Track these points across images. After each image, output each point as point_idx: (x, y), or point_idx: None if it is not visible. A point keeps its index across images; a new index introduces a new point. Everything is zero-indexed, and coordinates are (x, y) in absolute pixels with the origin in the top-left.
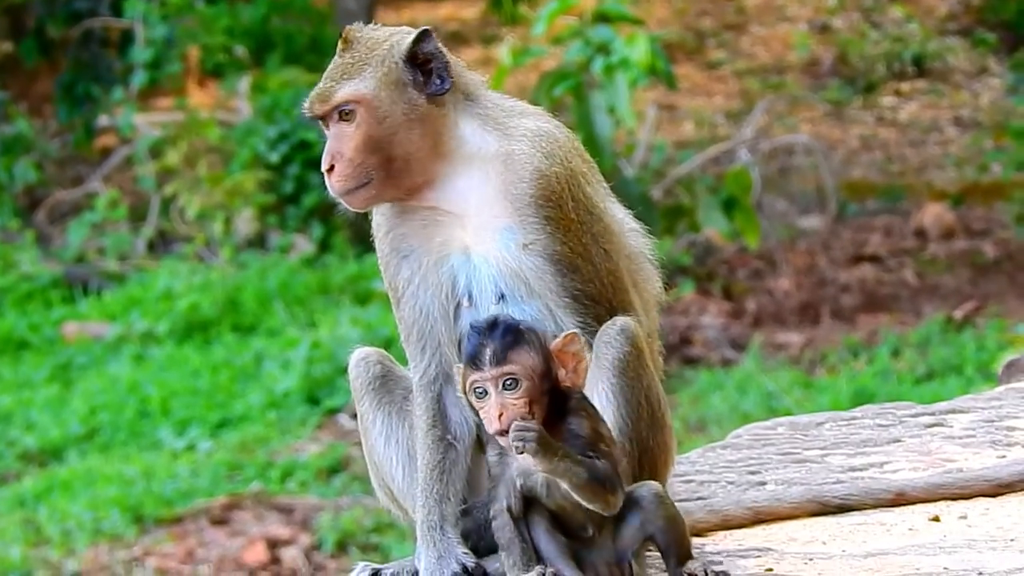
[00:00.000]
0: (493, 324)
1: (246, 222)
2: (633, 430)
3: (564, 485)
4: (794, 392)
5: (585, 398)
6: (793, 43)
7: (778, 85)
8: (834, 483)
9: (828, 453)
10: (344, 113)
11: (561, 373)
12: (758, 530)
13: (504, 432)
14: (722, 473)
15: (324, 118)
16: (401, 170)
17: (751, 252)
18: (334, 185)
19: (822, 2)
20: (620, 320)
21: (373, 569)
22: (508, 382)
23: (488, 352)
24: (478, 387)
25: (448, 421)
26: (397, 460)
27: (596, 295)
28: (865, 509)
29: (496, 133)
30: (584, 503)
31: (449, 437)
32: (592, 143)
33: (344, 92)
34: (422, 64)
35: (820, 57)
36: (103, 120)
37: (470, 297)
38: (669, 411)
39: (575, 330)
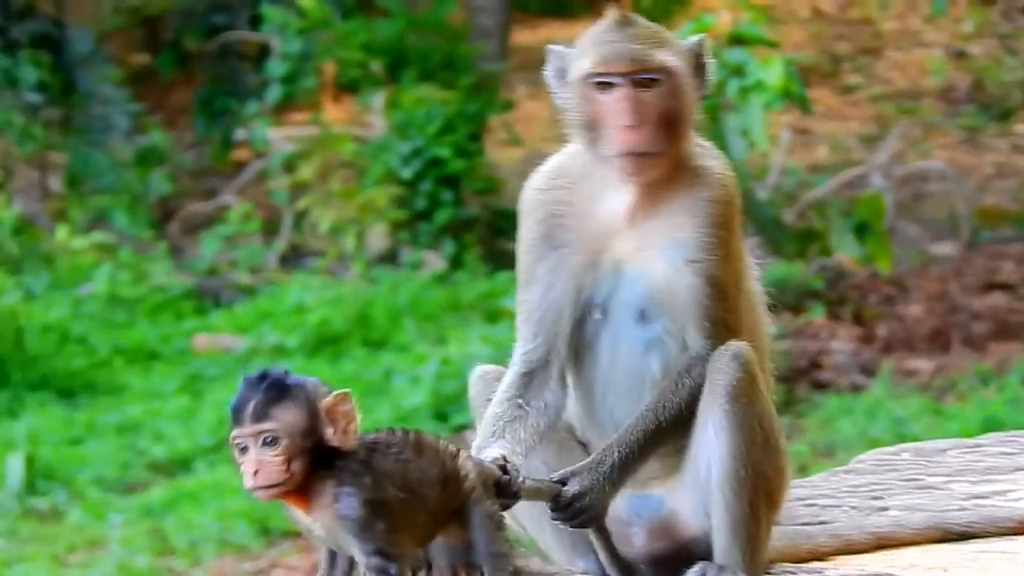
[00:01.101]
0: (261, 378)
1: (378, 237)
2: (747, 455)
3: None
4: (923, 419)
5: (366, 467)
6: (929, 69)
7: (913, 110)
8: (957, 510)
9: (952, 480)
10: (646, 80)
11: (329, 432)
12: (880, 555)
13: (258, 489)
14: (845, 498)
15: (622, 77)
16: (677, 152)
17: (882, 277)
18: (634, 143)
19: (959, 28)
20: (733, 345)
21: None
22: (268, 438)
23: (250, 408)
24: (239, 442)
25: (528, 392)
26: None
27: (729, 324)
28: (988, 537)
29: (700, 149)
30: None
31: (520, 400)
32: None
33: (662, 59)
34: (698, 64)
35: (956, 83)
36: (237, 134)
37: (605, 312)
38: (783, 436)
39: (347, 389)
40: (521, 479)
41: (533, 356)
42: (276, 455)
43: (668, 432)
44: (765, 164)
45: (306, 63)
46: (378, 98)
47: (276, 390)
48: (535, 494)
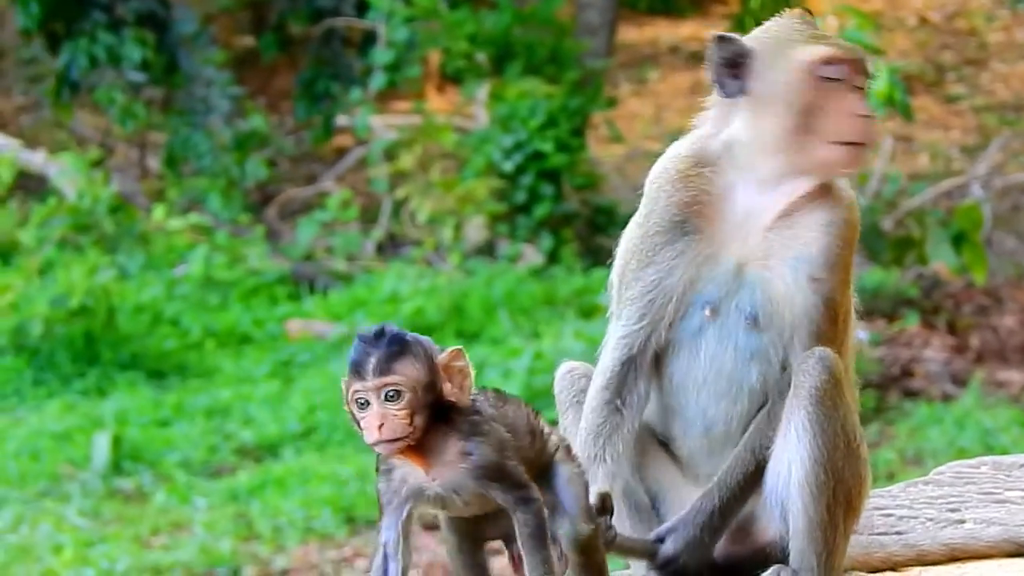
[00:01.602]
0: (379, 334)
1: (476, 229)
2: (828, 460)
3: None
4: (1012, 431)
5: (482, 416)
6: None
7: (1015, 123)
8: None
9: None
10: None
11: (447, 387)
12: (953, 568)
13: (383, 442)
14: (922, 509)
15: (848, 69)
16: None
17: (978, 288)
18: (870, 134)
19: None
20: (818, 350)
21: None
22: (390, 393)
23: (372, 362)
24: (360, 397)
25: (624, 386)
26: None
27: (835, 344)
28: None
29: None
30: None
31: (618, 402)
32: None
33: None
34: None
35: None
36: (339, 120)
37: (716, 311)
38: (865, 443)
39: (460, 347)
40: (613, 533)
41: (634, 340)
42: (400, 409)
43: (763, 471)
44: (866, 170)
45: (411, 52)
46: (482, 90)
47: (397, 345)
48: (628, 550)
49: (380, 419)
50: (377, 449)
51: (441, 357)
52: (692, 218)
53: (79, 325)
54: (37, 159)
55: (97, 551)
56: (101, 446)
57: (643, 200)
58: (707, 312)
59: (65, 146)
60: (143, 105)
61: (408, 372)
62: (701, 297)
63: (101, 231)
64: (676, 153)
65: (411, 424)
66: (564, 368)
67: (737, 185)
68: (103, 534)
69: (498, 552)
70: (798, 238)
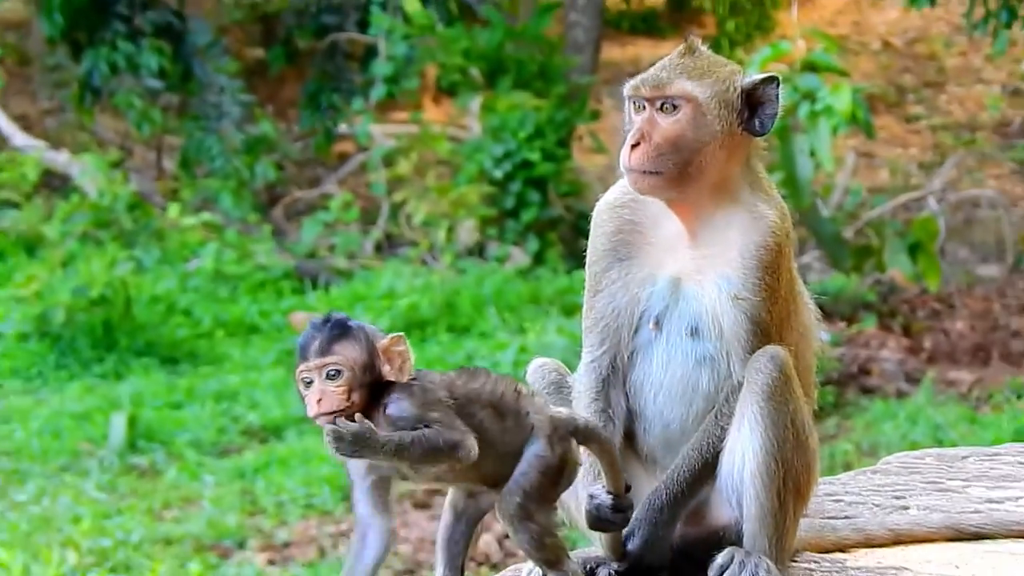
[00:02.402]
0: (325, 320)
1: (468, 231)
2: (779, 450)
3: (404, 466)
4: (960, 426)
5: (416, 383)
6: (986, 104)
7: (969, 142)
8: (972, 512)
9: (969, 484)
10: (668, 105)
11: (385, 368)
12: (897, 551)
13: (321, 415)
14: (870, 496)
15: (647, 101)
16: (691, 177)
17: (931, 294)
18: (632, 161)
19: (1016, 68)
20: (770, 348)
21: None
22: (331, 372)
23: (315, 345)
24: (305, 377)
25: (608, 399)
26: None
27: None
28: (998, 539)
29: (762, 194)
30: (435, 470)
31: (610, 411)
32: (793, 183)
33: (681, 86)
34: (754, 102)
35: (1010, 119)
36: (341, 128)
37: (658, 323)
38: (815, 435)
39: (401, 333)
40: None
41: (602, 363)
42: (338, 386)
43: (713, 466)
44: (830, 183)
45: (409, 66)
46: (475, 102)
47: (339, 329)
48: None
49: (319, 395)
50: (317, 422)
51: (382, 342)
52: (625, 246)
53: (98, 314)
54: (61, 159)
55: (113, 522)
56: (118, 426)
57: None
58: (651, 326)
59: (87, 147)
60: (160, 110)
61: (347, 353)
62: (647, 313)
63: (120, 227)
64: (610, 190)
65: (348, 400)
66: (536, 363)
67: (661, 210)
68: (119, 507)
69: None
70: (720, 257)
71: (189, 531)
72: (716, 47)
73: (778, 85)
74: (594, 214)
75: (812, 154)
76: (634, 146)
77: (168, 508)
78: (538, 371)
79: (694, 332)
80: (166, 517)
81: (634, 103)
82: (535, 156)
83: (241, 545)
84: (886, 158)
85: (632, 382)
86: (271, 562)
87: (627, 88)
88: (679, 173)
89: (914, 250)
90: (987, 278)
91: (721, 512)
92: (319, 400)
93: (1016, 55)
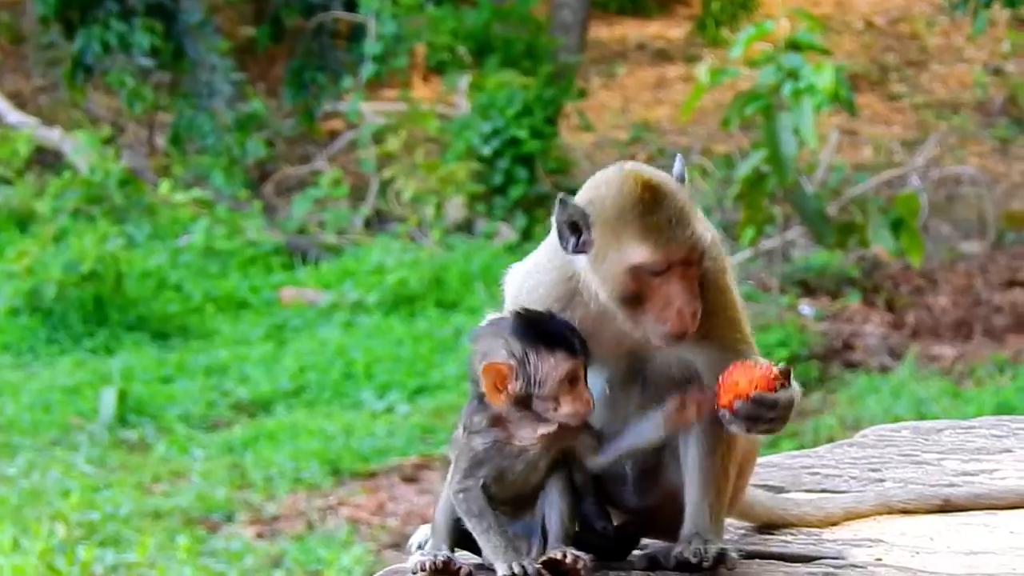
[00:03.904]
0: (551, 315)
1: (456, 208)
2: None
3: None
4: (943, 401)
5: None
6: (968, 82)
7: (951, 119)
8: (947, 485)
9: (944, 457)
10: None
11: None
12: (872, 523)
13: (587, 414)
14: (846, 468)
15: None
16: None
17: (914, 270)
18: (687, 324)
19: (997, 47)
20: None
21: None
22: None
23: (577, 340)
24: (574, 375)
25: None
26: None
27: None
28: (972, 511)
29: None
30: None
31: None
32: (777, 160)
33: (705, 239)
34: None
35: (992, 97)
36: (331, 105)
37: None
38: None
39: None
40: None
41: None
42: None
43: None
44: (813, 161)
45: (399, 45)
46: (463, 80)
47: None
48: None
49: (588, 393)
50: (581, 419)
51: None
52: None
53: (89, 289)
54: (53, 136)
55: (103, 496)
56: (108, 400)
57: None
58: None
59: (79, 124)
60: (151, 88)
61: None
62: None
63: (111, 203)
64: (542, 292)
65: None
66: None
67: (605, 314)
68: (108, 480)
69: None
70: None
71: (178, 505)
72: (701, 27)
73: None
74: (541, 298)
75: (796, 132)
76: (681, 312)
77: (157, 482)
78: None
79: (644, 385)
80: (155, 491)
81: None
82: (523, 134)
83: (230, 519)
84: (869, 136)
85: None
86: (260, 536)
87: (645, 258)
88: None
89: (897, 226)
90: (969, 254)
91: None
92: (588, 399)
93: (997, 35)
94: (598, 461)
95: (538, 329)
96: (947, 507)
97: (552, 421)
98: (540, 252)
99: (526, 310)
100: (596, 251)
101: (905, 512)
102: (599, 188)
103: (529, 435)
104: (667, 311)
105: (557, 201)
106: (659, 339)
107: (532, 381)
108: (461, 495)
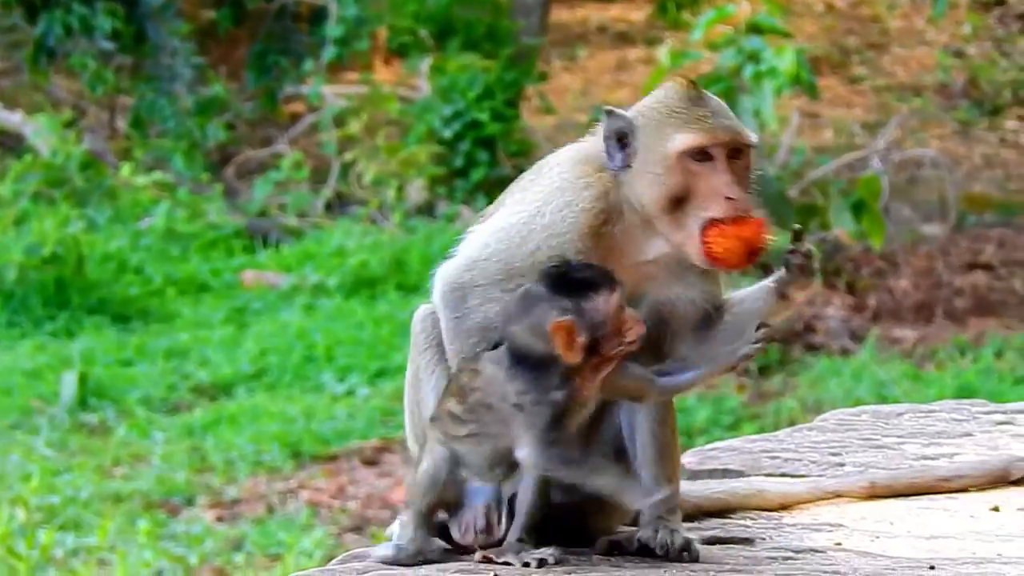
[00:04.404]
0: (570, 262)
1: (417, 191)
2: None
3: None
4: (904, 383)
5: None
6: (929, 65)
7: (912, 102)
8: (907, 469)
9: (905, 441)
10: (739, 153)
11: None
12: (832, 507)
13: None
14: (806, 452)
15: (723, 150)
16: None
17: (875, 252)
18: (740, 208)
19: (958, 30)
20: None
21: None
22: None
23: (607, 271)
24: (621, 303)
25: None
26: None
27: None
28: (932, 495)
29: None
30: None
31: None
32: None
33: (749, 134)
34: None
35: (953, 80)
36: (292, 88)
37: None
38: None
39: None
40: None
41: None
42: None
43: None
44: (774, 143)
45: (360, 27)
46: (425, 63)
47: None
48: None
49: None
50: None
51: None
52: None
53: (51, 272)
54: (15, 119)
55: (63, 479)
56: (69, 383)
57: (546, 232)
58: None
59: (41, 107)
60: (113, 72)
61: None
62: None
63: (72, 186)
64: (583, 204)
65: None
66: (426, 310)
67: (633, 230)
68: (69, 464)
69: None
70: (674, 257)
71: (138, 488)
72: (662, 9)
73: None
74: (565, 230)
75: (757, 114)
76: (733, 199)
77: (118, 465)
78: (429, 319)
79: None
80: (116, 474)
81: (697, 155)
82: (484, 116)
83: (190, 502)
84: (830, 118)
85: None
86: (220, 519)
87: (695, 139)
88: None
89: (858, 209)
90: (930, 237)
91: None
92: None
93: (958, 17)
94: (659, 388)
95: (572, 279)
96: (874, 491)
97: (616, 357)
98: (535, 196)
99: (550, 268)
100: (641, 156)
101: (839, 496)
102: (643, 101)
103: (596, 380)
104: (714, 199)
105: (604, 113)
106: (697, 244)
107: (595, 325)
108: (555, 449)
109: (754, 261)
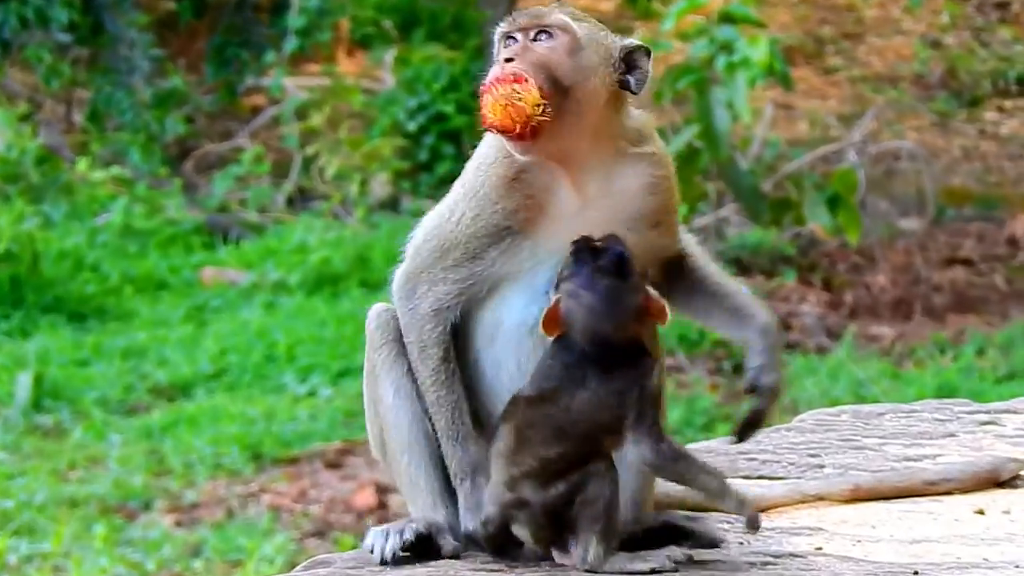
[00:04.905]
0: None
1: (381, 185)
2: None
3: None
4: (882, 382)
5: None
6: (906, 55)
7: (889, 93)
8: (888, 471)
9: (886, 442)
10: (542, 34)
11: None
12: (812, 509)
13: None
14: (784, 454)
15: (520, 32)
16: (569, 121)
17: (851, 248)
18: (506, 67)
19: (935, 19)
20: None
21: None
22: None
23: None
24: None
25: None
26: (404, 411)
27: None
28: (915, 497)
29: (645, 143)
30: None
31: (454, 365)
32: (710, 135)
33: (558, 17)
34: (629, 64)
35: (930, 70)
36: (253, 81)
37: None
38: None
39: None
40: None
41: (448, 302)
42: None
43: None
44: (748, 136)
45: (323, 18)
46: (389, 54)
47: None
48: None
49: None
50: None
51: None
52: (522, 223)
53: (5, 270)
54: None
55: (17, 483)
56: (23, 384)
57: (465, 196)
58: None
59: None
60: (69, 64)
61: None
62: (543, 281)
63: (28, 181)
64: (493, 159)
65: None
66: (379, 308)
67: (552, 177)
68: (23, 467)
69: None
70: (616, 208)
71: (95, 492)
72: (632, 1)
73: (650, 56)
74: (480, 185)
75: (729, 106)
76: (507, 60)
77: (73, 469)
78: (384, 315)
79: None
80: (71, 478)
81: (505, 40)
82: (449, 109)
83: (147, 506)
84: (805, 110)
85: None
86: (178, 523)
87: (500, 28)
88: (557, 113)
89: (834, 203)
90: (908, 231)
91: None
92: None
93: (935, 6)
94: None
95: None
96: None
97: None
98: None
99: (586, 244)
100: None
101: (819, 498)
102: None
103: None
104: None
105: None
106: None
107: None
108: (666, 443)
109: (527, 123)
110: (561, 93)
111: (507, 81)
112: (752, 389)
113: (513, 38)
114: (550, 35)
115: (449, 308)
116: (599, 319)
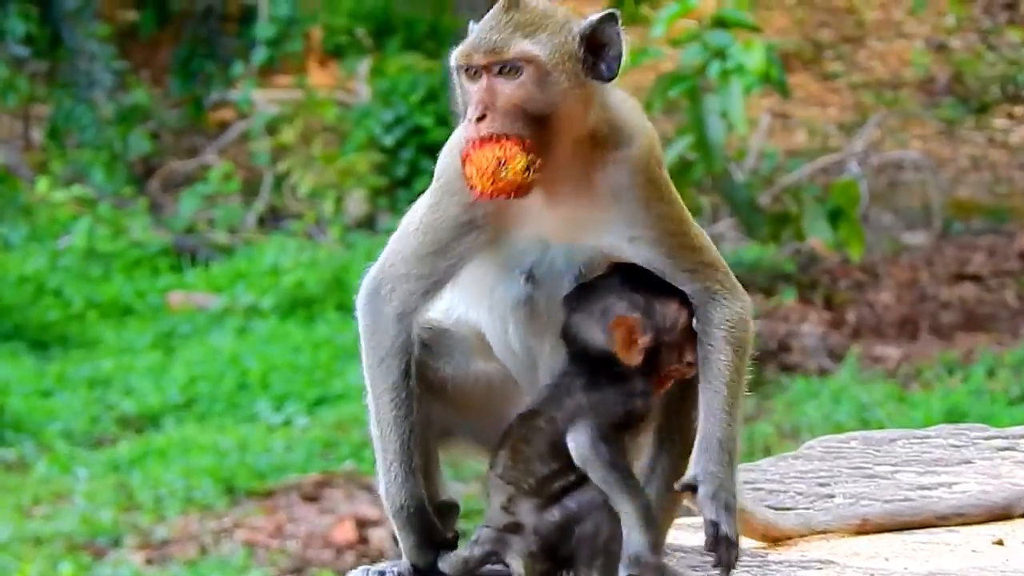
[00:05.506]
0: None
1: (357, 203)
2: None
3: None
4: (888, 406)
5: None
6: (910, 60)
7: (892, 100)
8: (902, 500)
9: (899, 470)
10: (508, 69)
11: None
12: (822, 542)
13: None
14: (792, 483)
15: (483, 69)
16: (550, 143)
17: (854, 264)
18: (482, 129)
19: (940, 21)
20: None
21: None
22: None
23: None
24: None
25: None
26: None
27: (705, 260)
28: (931, 528)
29: (623, 129)
30: None
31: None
32: (704, 146)
33: (519, 48)
34: (595, 46)
35: (935, 75)
36: (220, 94)
37: (532, 279)
38: None
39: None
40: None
41: (411, 304)
42: None
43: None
44: (743, 146)
45: (293, 27)
46: (363, 65)
47: None
48: None
49: None
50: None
51: None
52: (484, 216)
53: None
54: None
55: None
56: None
57: (435, 189)
58: (522, 280)
59: None
60: (27, 79)
61: None
62: (517, 269)
63: None
64: (452, 156)
65: None
66: None
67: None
68: None
69: None
70: (601, 206)
71: (60, 529)
72: (619, 3)
73: (617, 22)
74: (448, 178)
75: (724, 115)
76: (480, 119)
77: (38, 504)
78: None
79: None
80: (36, 514)
81: (466, 72)
82: (428, 121)
83: (116, 543)
84: (803, 119)
85: (515, 339)
86: (149, 561)
87: (456, 57)
88: (536, 142)
89: (835, 217)
90: (913, 246)
91: None
92: None
93: (940, 8)
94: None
95: (647, 278)
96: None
97: (670, 376)
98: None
99: (625, 265)
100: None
101: (828, 531)
102: None
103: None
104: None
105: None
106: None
107: (661, 330)
108: (605, 445)
109: (511, 186)
110: (539, 125)
111: (488, 144)
112: (713, 547)
113: (474, 71)
114: (515, 69)
115: (414, 312)
116: (569, 305)
